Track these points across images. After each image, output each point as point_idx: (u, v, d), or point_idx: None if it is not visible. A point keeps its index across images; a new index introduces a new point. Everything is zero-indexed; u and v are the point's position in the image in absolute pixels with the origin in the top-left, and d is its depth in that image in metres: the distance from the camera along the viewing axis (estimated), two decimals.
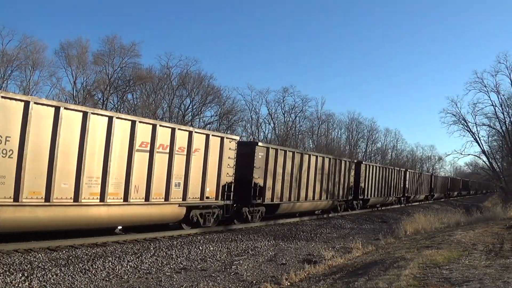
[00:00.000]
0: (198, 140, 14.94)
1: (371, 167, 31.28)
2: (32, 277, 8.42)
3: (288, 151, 20.74)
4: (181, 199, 14.19)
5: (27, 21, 71.81)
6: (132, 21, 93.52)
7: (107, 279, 9.12)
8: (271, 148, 19.57)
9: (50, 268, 9.11)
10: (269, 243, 14.84)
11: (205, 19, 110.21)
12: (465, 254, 11.34)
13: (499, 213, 26.88)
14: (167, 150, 13.68)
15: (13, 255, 9.73)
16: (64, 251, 10.61)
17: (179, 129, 14.15)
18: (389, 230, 19.90)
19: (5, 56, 43.38)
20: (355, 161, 29.62)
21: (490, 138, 50.32)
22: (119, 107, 49.38)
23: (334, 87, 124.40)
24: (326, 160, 24.35)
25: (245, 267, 11.04)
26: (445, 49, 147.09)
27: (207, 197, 15.32)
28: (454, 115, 46.08)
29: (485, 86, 44.72)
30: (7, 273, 8.47)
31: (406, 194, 39.45)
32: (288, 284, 9.22)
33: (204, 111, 56.87)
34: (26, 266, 9.09)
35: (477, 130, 46.42)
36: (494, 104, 44.69)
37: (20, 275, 8.42)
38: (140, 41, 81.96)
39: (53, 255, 10.20)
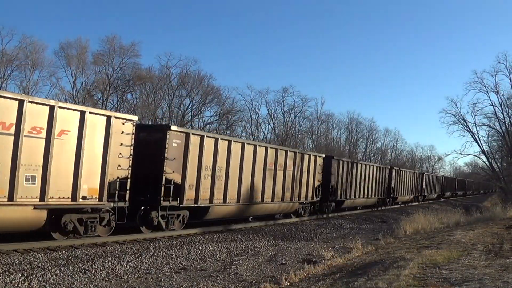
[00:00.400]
0: (67, 119, 11.13)
1: (345, 163, 26.92)
2: (31, 277, 8.42)
3: (221, 139, 16.28)
4: (38, 199, 10.54)
5: (26, 21, 71.76)
6: (131, 21, 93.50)
7: (107, 279, 9.12)
8: (193, 134, 15.03)
9: (50, 268, 9.11)
10: (269, 243, 14.85)
11: (205, 19, 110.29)
12: (464, 254, 11.35)
13: (499, 213, 26.89)
14: (11, 131, 10.06)
15: (13, 255, 9.73)
16: (63, 251, 10.62)
17: (31, 102, 10.35)
18: (389, 230, 19.91)
19: (5, 56, 43.38)
20: (323, 155, 24.95)
21: (489, 138, 50.29)
22: (118, 107, 49.39)
23: (334, 87, 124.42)
24: (281, 153, 19.95)
25: (245, 267, 11.04)
26: (444, 49, 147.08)
27: (84, 197, 11.51)
28: (453, 115, 46.03)
29: (485, 86, 44.66)
30: (7, 273, 8.47)
31: (392, 195, 35.66)
32: (288, 284, 9.23)
33: (204, 111, 56.94)
34: (26, 266, 9.10)
35: (476, 130, 46.37)
36: (493, 104, 44.63)
37: (20, 275, 8.42)
38: (140, 41, 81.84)
39: (52, 255, 10.21)
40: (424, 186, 45.94)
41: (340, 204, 26.48)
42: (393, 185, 35.53)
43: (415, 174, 44.28)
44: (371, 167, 31.45)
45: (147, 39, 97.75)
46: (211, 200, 15.67)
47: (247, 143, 17.94)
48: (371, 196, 31.02)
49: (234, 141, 17.05)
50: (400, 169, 39.77)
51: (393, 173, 35.71)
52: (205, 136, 15.51)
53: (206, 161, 15.32)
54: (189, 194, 14.69)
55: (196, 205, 15.06)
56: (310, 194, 22.53)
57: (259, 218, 19.98)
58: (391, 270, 9.16)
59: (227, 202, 16.42)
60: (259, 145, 18.67)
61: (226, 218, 17.56)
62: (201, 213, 15.76)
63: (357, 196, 28.49)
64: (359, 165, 29.31)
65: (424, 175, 47.54)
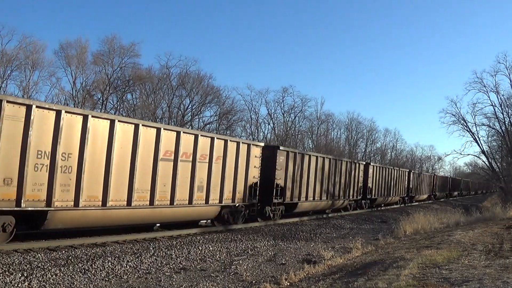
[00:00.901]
0: None
1: (299, 156, 21.44)
2: (31, 277, 8.42)
3: (66, 112, 11.06)
4: None
5: (26, 21, 71.86)
6: (131, 21, 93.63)
7: (107, 279, 9.12)
8: (10, 102, 9.93)
9: (50, 268, 9.11)
10: (269, 243, 14.85)
11: (205, 19, 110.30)
12: (464, 254, 11.34)
13: (499, 213, 26.88)
14: None
15: (13, 255, 9.73)
16: (63, 251, 10.62)
17: None
18: (389, 230, 19.94)
19: (5, 56, 43.37)
20: (262, 144, 19.20)
21: (489, 138, 50.37)
22: (118, 107, 49.44)
23: (334, 87, 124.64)
24: (187, 139, 14.49)
25: (245, 267, 11.04)
26: (444, 49, 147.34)
27: None
28: (453, 115, 46.13)
29: (485, 86, 44.77)
30: (7, 273, 8.47)
31: (369, 196, 30.58)
32: (288, 284, 9.23)
33: (204, 111, 57.06)
34: (26, 266, 9.10)
35: (476, 130, 46.49)
36: (493, 104, 44.73)
37: (20, 275, 8.42)
38: (140, 41, 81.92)
39: (52, 255, 10.21)
40: (411, 186, 41.15)
41: (291, 208, 21.28)
42: (370, 185, 30.59)
43: (400, 172, 38.27)
44: (339, 162, 26.06)
45: (147, 39, 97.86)
46: (49, 201, 10.67)
47: (118, 121, 12.33)
48: (340, 197, 25.87)
49: (93, 116, 11.77)
50: (380, 165, 34.67)
51: (370, 171, 30.60)
52: (33, 106, 10.27)
53: (39, 143, 10.46)
54: (3, 192, 9.89)
55: (18, 208, 10.10)
56: (240, 195, 17.10)
57: (167, 226, 15.34)
58: (391, 270, 9.17)
59: (81, 205, 11.34)
60: (142, 125, 13.01)
61: (86, 229, 12.68)
62: (36, 220, 10.97)
63: (317, 198, 23.10)
64: (321, 159, 23.77)
65: (412, 173, 42.39)
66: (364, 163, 30.91)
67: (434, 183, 51.57)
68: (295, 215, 22.12)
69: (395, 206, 36.92)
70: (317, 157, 23.42)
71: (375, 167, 32.10)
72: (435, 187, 51.59)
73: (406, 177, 39.86)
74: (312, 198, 22.52)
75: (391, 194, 35.36)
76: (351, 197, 27.56)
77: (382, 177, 33.05)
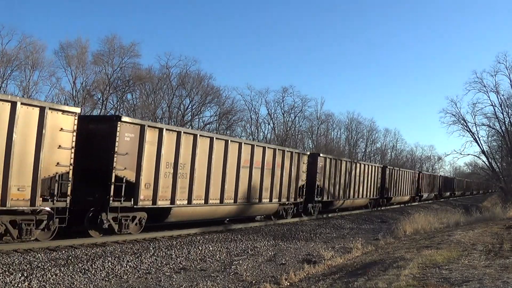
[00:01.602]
0: None
1: (168, 135, 13.67)
2: (31, 277, 8.42)
3: None
4: None
5: (26, 21, 71.78)
6: (131, 21, 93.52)
7: (107, 279, 9.12)
8: None
9: (50, 268, 9.12)
10: (269, 243, 14.85)
11: (205, 19, 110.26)
12: (464, 254, 11.35)
13: (499, 213, 26.92)
14: None
15: (13, 255, 9.73)
16: (63, 251, 10.62)
17: None
18: (389, 230, 19.94)
19: (5, 56, 43.34)
20: (77, 110, 11.47)
21: (489, 138, 50.37)
22: (118, 107, 49.40)
23: (334, 87, 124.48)
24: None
25: (245, 267, 11.05)
26: (444, 49, 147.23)
27: None
28: (453, 115, 46.12)
29: (485, 86, 44.78)
30: (7, 273, 8.48)
31: (320, 198, 23.44)
32: (288, 284, 9.24)
33: (204, 111, 57.00)
34: (26, 266, 9.10)
35: (476, 130, 46.47)
36: (493, 104, 44.74)
37: (20, 275, 8.42)
38: (140, 41, 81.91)
39: (52, 255, 10.21)
40: (387, 186, 33.75)
41: (162, 216, 14.22)
42: (319, 183, 23.35)
43: (369, 168, 30.63)
44: (259, 149, 18.30)
45: (147, 39, 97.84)
46: None
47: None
48: (261, 199, 18.44)
49: None
50: (335, 158, 26.33)
51: (320, 164, 23.39)
52: None
53: None
54: None
55: None
56: (24, 194, 10.18)
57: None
58: (391, 270, 9.17)
59: None
60: None
61: None
62: None
63: (214, 200, 15.80)
64: (221, 143, 16.18)
65: (387, 169, 34.37)
66: (308, 153, 23.57)
67: (420, 181, 43.90)
68: (168, 226, 15.20)
69: (362, 210, 30.27)
70: (211, 138, 15.67)
71: (327, 160, 24.37)
72: (420, 187, 44.08)
73: (380, 174, 32.44)
74: (203, 201, 15.30)
75: (356, 196, 28.11)
76: (284, 199, 20.16)
77: (341, 173, 25.72)
